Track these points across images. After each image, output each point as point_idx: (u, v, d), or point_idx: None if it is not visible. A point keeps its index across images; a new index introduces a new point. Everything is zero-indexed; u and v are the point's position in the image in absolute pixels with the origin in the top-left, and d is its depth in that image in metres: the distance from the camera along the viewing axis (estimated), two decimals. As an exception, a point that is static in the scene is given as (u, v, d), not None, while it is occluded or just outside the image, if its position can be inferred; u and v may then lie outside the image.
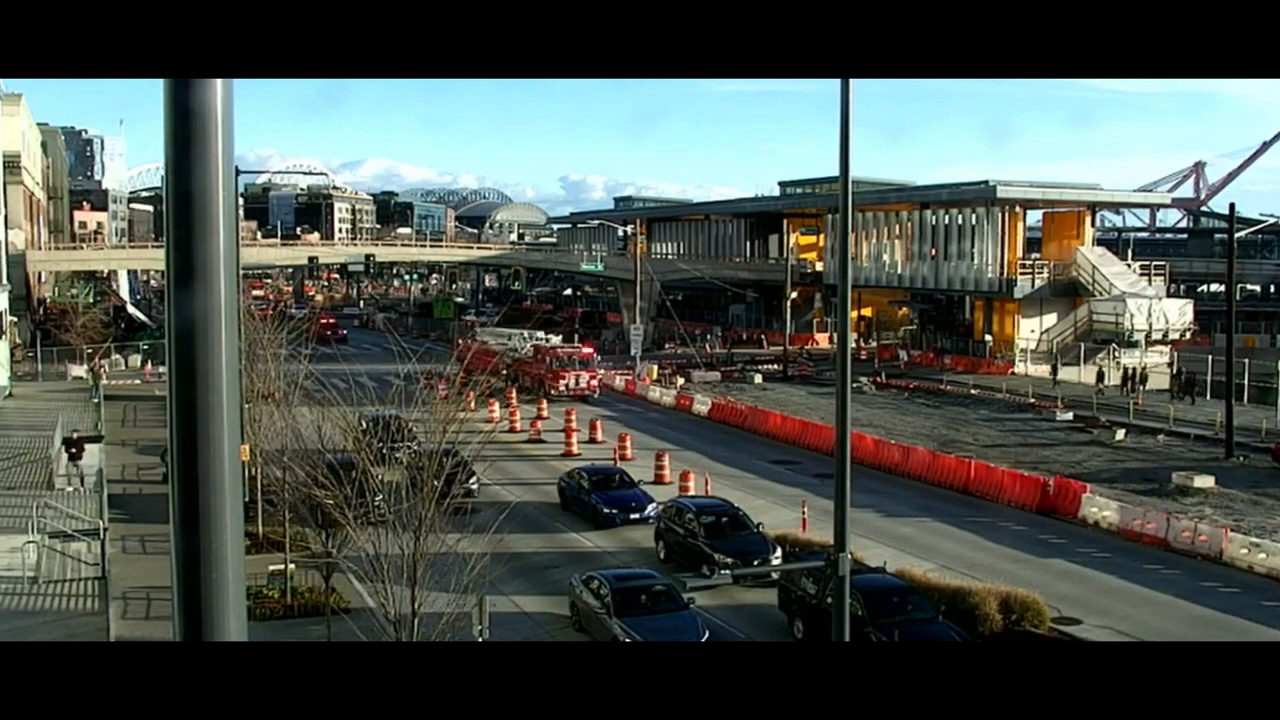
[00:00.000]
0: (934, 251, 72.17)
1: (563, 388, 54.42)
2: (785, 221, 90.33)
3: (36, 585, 25.24)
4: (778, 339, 73.10)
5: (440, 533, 18.59)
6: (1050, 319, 66.93)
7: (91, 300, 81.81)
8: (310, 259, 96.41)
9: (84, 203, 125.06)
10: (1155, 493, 34.56)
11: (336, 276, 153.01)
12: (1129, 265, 70.10)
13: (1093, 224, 74.47)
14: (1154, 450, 42.20)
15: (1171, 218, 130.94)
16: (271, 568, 24.67)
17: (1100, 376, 56.77)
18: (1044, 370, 61.26)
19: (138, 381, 59.75)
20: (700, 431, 47.09)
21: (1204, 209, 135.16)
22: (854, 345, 56.14)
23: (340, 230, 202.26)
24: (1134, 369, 55.94)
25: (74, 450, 35.83)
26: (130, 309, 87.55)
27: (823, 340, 78.41)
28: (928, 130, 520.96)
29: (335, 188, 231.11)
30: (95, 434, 41.95)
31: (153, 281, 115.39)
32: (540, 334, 65.40)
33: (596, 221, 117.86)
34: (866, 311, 79.28)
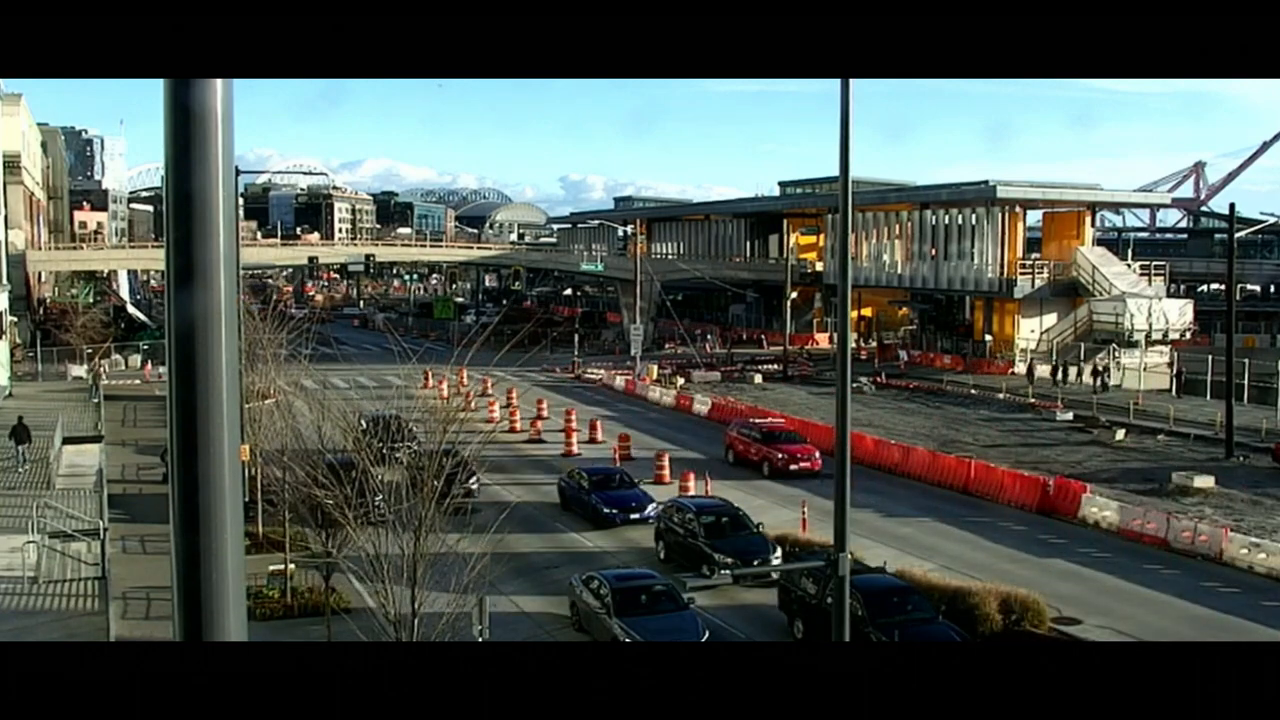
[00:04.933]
0: (934, 251, 72.16)
1: None
2: (785, 221, 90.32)
3: (36, 585, 25.23)
4: (778, 339, 73.09)
5: (440, 533, 18.58)
6: (1050, 319, 66.95)
7: (91, 300, 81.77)
8: (310, 259, 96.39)
9: (84, 203, 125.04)
10: (1155, 493, 34.55)
11: (336, 276, 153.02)
12: (1129, 265, 70.10)
13: (1093, 224, 74.46)
14: (1154, 450, 42.19)
15: (1171, 218, 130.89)
16: (271, 568, 24.66)
17: (1030, 371, 58.79)
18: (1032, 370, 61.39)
19: (138, 381, 59.73)
20: (700, 431, 47.06)
21: (1204, 209, 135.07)
22: (854, 345, 56.31)
23: (340, 230, 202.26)
24: (1068, 364, 59.31)
25: (21, 435, 37.19)
26: (130, 309, 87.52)
27: (823, 340, 78.40)
28: (928, 130, 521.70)
29: (335, 188, 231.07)
30: (95, 434, 41.98)
31: (153, 281, 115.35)
32: None
33: (596, 221, 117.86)
34: (866, 311, 79.30)
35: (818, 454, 37.34)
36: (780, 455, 37.52)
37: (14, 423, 38.03)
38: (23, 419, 38.56)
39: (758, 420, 41.81)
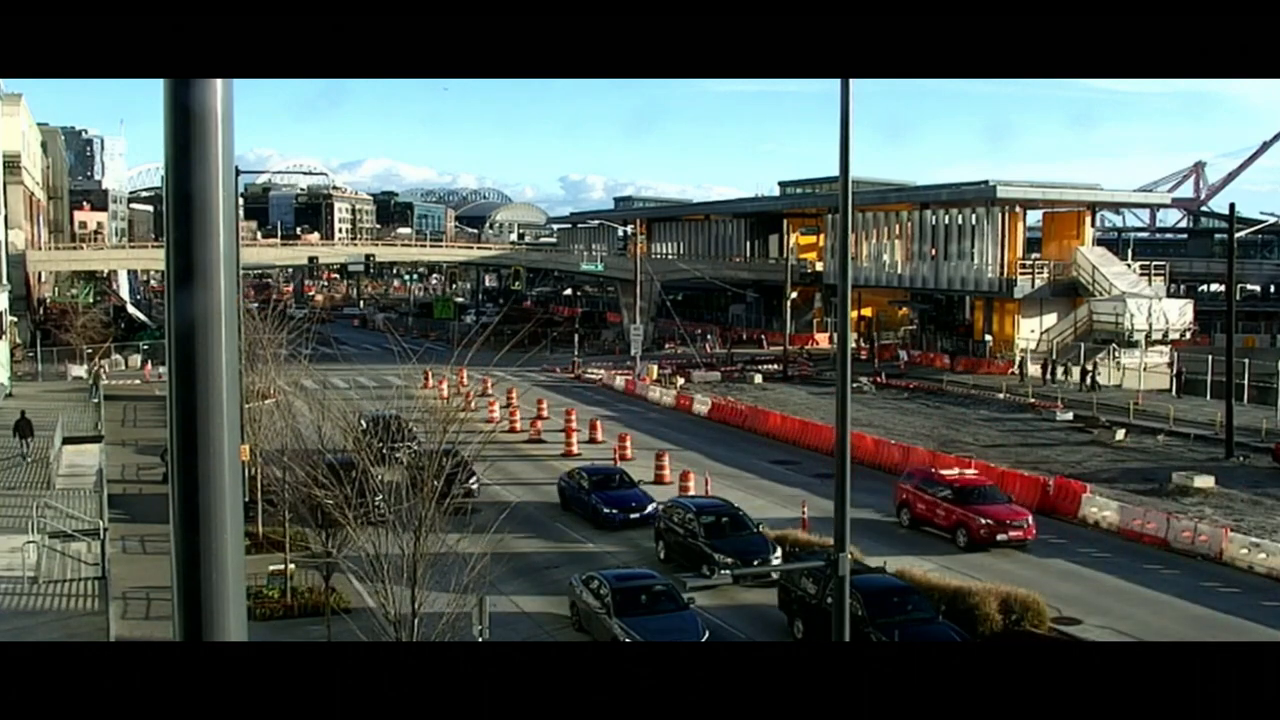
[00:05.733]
0: (934, 251, 72.18)
1: None
2: (785, 221, 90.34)
3: (36, 585, 25.24)
4: (778, 339, 73.10)
5: (440, 533, 18.59)
6: (1050, 319, 66.97)
7: (91, 300, 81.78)
8: (310, 259, 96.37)
9: (84, 203, 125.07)
10: (1155, 493, 34.56)
11: (336, 276, 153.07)
12: (1129, 265, 70.13)
13: (1093, 224, 74.48)
14: (1154, 450, 42.20)
15: (1171, 218, 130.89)
16: (271, 568, 24.67)
17: (1022, 370, 60.62)
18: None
19: (138, 381, 59.75)
20: (700, 431, 47.09)
21: (1204, 209, 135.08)
22: (854, 345, 56.36)
23: (340, 230, 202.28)
24: (1056, 363, 60.42)
25: (24, 430, 38.37)
26: (130, 309, 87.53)
27: (823, 340, 78.42)
28: (928, 130, 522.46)
29: (335, 188, 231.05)
30: (95, 434, 42.00)
31: (153, 281, 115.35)
32: None
33: (596, 221, 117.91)
34: (866, 311, 79.31)
35: (1030, 518, 29.45)
36: (983, 522, 28.87)
37: (17, 418, 38.88)
38: (25, 413, 39.36)
39: (945, 472, 31.78)
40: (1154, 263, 71.59)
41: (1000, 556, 28.36)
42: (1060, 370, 59.83)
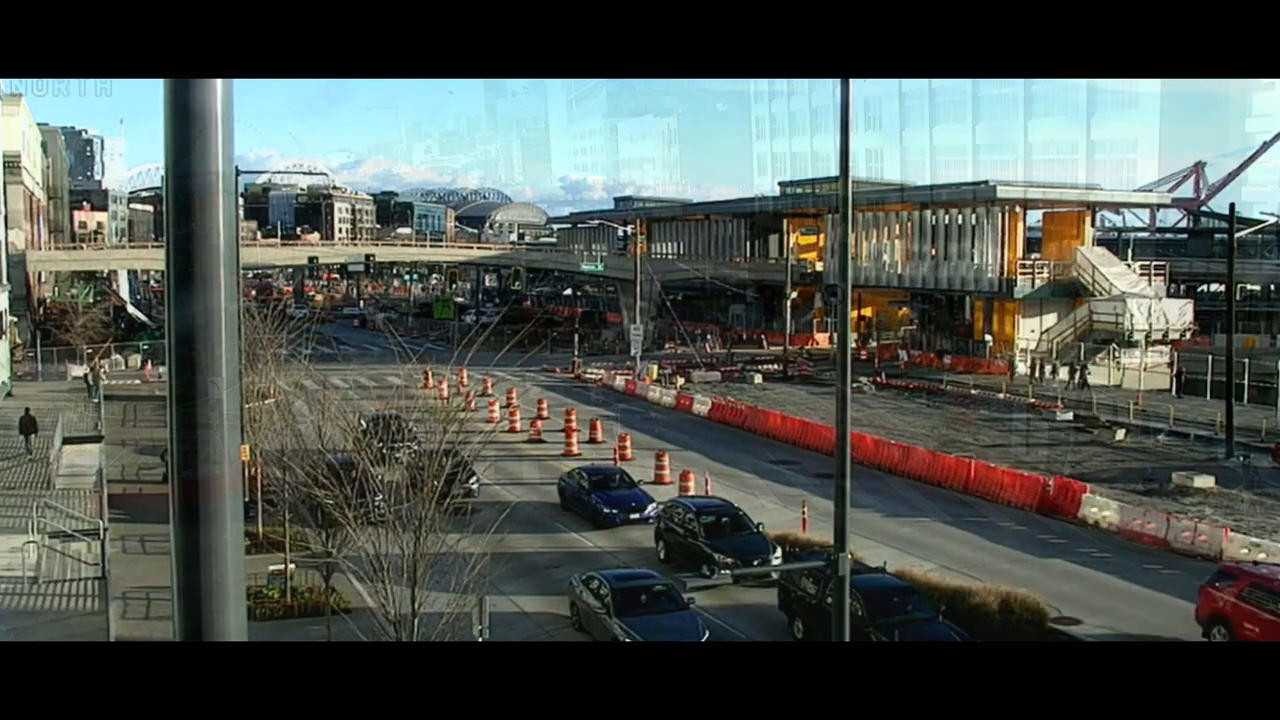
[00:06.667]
0: (934, 251, 72.17)
1: None
2: (785, 221, 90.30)
3: (36, 585, 25.23)
4: (778, 339, 73.08)
5: (440, 533, 18.58)
6: (1050, 319, 66.96)
7: (91, 300, 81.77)
8: (310, 259, 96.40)
9: (84, 203, 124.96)
10: (1155, 493, 34.54)
11: (336, 276, 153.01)
12: (1129, 265, 70.11)
13: (1093, 224, 74.45)
14: (1154, 450, 42.18)
15: (1171, 218, 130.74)
16: (271, 568, 24.67)
17: (1011, 369, 61.05)
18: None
19: (138, 381, 59.73)
20: (700, 431, 47.07)
21: (1204, 209, 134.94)
22: (854, 345, 56.35)
23: (340, 230, 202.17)
24: (1045, 362, 61.12)
25: (28, 427, 39.23)
26: (130, 309, 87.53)
27: (823, 340, 78.38)
28: (928, 130, 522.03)
29: (335, 188, 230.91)
30: (95, 434, 42.00)
31: (153, 281, 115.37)
32: None
33: (596, 221, 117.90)
34: (866, 311, 79.27)
35: None
36: None
37: (21, 415, 39.72)
38: (29, 410, 39.93)
39: None
40: (1154, 263, 71.54)
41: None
42: (1049, 369, 59.94)
